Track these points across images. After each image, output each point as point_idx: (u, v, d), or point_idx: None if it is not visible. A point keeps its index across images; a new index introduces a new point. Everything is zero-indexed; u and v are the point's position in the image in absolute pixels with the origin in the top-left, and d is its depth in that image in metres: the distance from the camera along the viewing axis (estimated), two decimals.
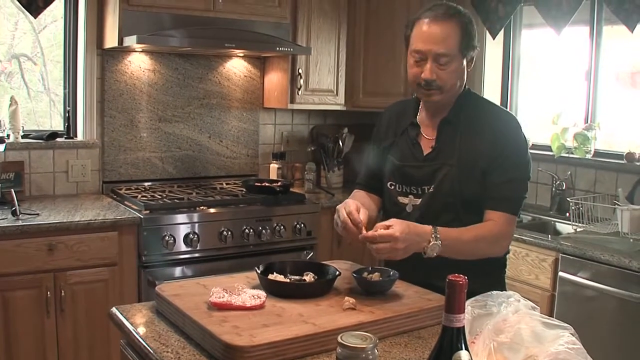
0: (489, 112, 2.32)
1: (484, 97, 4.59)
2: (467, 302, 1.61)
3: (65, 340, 3.43)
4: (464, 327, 1.24)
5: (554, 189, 4.27)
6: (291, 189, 4.41)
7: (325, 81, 4.63)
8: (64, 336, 3.43)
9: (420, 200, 2.28)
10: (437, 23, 2.17)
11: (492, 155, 2.20)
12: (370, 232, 2.01)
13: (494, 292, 1.67)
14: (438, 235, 2.05)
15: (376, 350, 1.43)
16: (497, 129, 2.24)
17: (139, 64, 4.29)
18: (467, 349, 1.24)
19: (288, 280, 2.06)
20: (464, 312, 1.23)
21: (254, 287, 2.00)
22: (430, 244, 2.04)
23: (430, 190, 2.26)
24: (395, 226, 2.00)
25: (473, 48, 2.22)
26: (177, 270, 3.70)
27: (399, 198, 2.34)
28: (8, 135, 3.90)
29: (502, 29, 4.51)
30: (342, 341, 1.42)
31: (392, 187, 2.37)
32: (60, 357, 3.43)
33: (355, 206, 2.12)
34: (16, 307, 3.30)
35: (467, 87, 2.35)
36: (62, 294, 3.38)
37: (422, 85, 2.22)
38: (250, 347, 1.58)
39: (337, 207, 2.18)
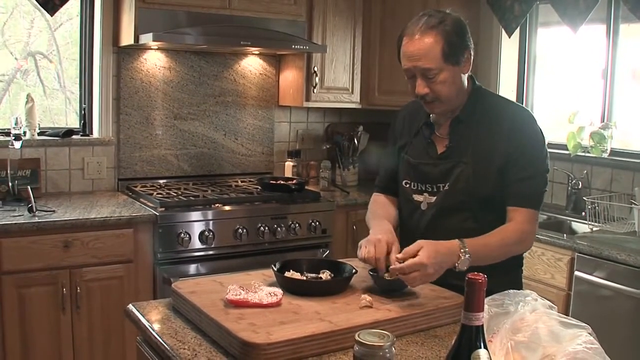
0: (503, 108, 2.30)
1: (496, 93, 4.65)
2: (485, 301, 1.60)
3: (81, 336, 3.45)
4: (482, 325, 1.23)
5: (569, 188, 4.25)
6: (306, 187, 4.41)
7: (340, 79, 4.63)
8: (79, 333, 3.44)
9: (435, 198, 2.28)
10: (416, 39, 2.15)
11: (509, 152, 2.18)
12: (399, 265, 1.96)
13: (511, 291, 1.66)
14: (467, 249, 2.03)
15: (393, 349, 1.43)
16: (512, 124, 2.22)
17: (154, 61, 4.30)
18: (486, 347, 1.23)
19: (305, 278, 2.06)
20: (483, 310, 1.22)
21: (270, 285, 2.00)
22: (461, 259, 2.02)
23: (445, 188, 2.25)
24: (423, 252, 1.96)
25: (460, 54, 2.18)
26: (192, 268, 3.71)
27: (414, 196, 2.33)
28: (24, 133, 3.91)
29: (518, 28, 4.49)
30: (360, 339, 1.42)
31: (407, 185, 2.36)
32: (75, 354, 3.45)
33: (386, 241, 2.09)
34: (32, 304, 3.31)
35: (476, 83, 2.33)
36: (78, 290, 3.40)
37: (420, 99, 2.23)
38: (267, 344, 1.58)
39: (368, 238, 2.14)
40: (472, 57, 2.23)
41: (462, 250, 2.03)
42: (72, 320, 3.42)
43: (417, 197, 2.32)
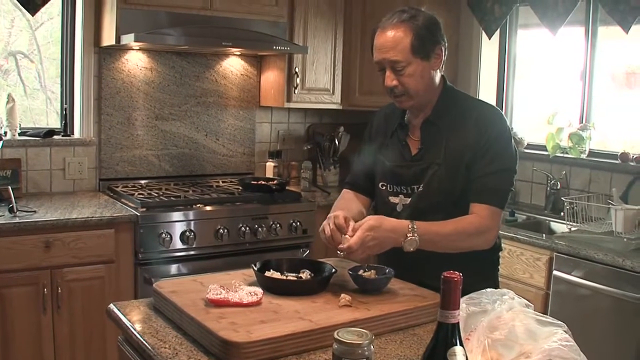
0: (473, 108, 2.32)
1: (476, 93, 4.69)
2: (462, 300, 1.62)
3: (62, 336, 3.44)
4: (458, 323, 1.25)
5: (548, 189, 4.30)
6: (287, 188, 4.42)
7: (321, 80, 4.65)
8: (61, 333, 3.43)
9: (410, 199, 2.30)
10: (386, 32, 2.21)
11: (475, 148, 2.21)
12: (346, 244, 2.04)
13: (489, 290, 1.68)
14: (416, 229, 2.07)
15: (372, 347, 1.45)
16: (480, 122, 2.25)
17: (136, 62, 4.30)
18: (461, 344, 1.25)
19: (285, 278, 2.08)
20: (459, 308, 1.24)
21: (250, 284, 2.02)
22: (408, 238, 2.07)
23: (420, 190, 2.28)
24: (365, 224, 2.05)
25: (430, 49, 2.22)
26: (174, 268, 3.71)
27: (390, 198, 2.36)
28: (5, 133, 3.90)
29: (498, 29, 4.54)
30: (338, 337, 1.43)
31: (384, 187, 2.39)
32: (56, 354, 3.44)
33: (343, 215, 2.14)
34: (13, 304, 3.30)
35: (448, 83, 2.36)
36: (59, 290, 3.39)
37: (389, 92, 2.27)
38: (247, 343, 1.60)
39: (329, 215, 2.20)
40: (443, 55, 2.27)
41: (411, 230, 2.07)
42: (53, 321, 3.41)
43: (393, 199, 2.35)
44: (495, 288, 1.71)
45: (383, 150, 2.42)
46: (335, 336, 1.44)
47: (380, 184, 2.40)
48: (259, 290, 1.92)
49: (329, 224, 2.14)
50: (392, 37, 2.19)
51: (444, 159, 2.24)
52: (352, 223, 2.11)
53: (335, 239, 2.10)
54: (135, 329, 1.85)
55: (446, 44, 2.28)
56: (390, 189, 2.36)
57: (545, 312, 3.45)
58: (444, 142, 2.26)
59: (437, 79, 2.30)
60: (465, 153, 2.22)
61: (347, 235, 2.06)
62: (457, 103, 2.33)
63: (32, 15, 3.88)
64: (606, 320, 3.27)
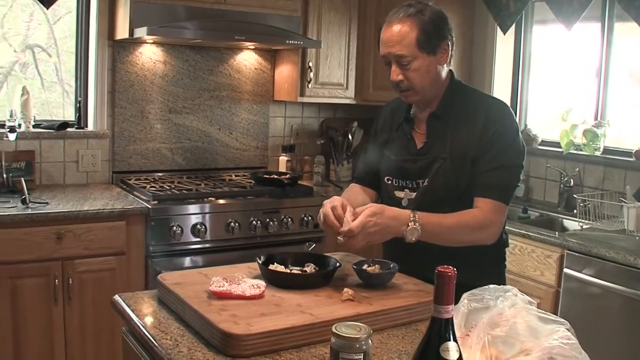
0: (479, 102, 2.31)
1: (490, 89, 4.67)
2: (464, 296, 1.62)
3: (72, 327, 3.47)
4: (452, 318, 1.25)
5: (562, 186, 4.27)
6: (300, 182, 4.43)
7: (335, 75, 4.64)
8: (71, 324, 3.46)
9: (415, 194, 2.30)
10: (392, 26, 2.21)
11: (481, 143, 2.20)
12: (346, 227, 2.03)
13: (492, 286, 1.67)
14: (417, 219, 2.07)
15: (370, 341, 1.45)
16: (487, 117, 2.23)
17: (149, 55, 4.32)
18: (455, 340, 1.25)
19: (288, 271, 2.08)
20: (452, 303, 1.24)
21: (255, 277, 2.02)
22: (409, 227, 2.06)
23: (425, 184, 2.27)
24: (366, 210, 2.04)
25: (436, 43, 2.21)
26: (184, 261, 3.73)
27: (395, 192, 2.36)
28: (19, 125, 3.93)
29: (513, 25, 4.51)
30: (336, 331, 1.43)
31: (390, 181, 2.38)
32: (67, 345, 3.47)
33: (341, 202, 2.13)
34: (24, 295, 3.33)
35: (455, 77, 2.35)
36: (70, 282, 3.42)
37: (395, 87, 2.26)
38: (246, 335, 1.60)
39: (324, 202, 2.19)
40: (450, 49, 2.25)
41: (412, 219, 2.06)
42: (64, 312, 3.44)
43: (398, 194, 2.34)
44: (501, 284, 1.69)
45: (389, 144, 2.42)
46: (334, 330, 1.44)
47: (386, 178, 2.40)
48: (261, 283, 1.92)
49: (324, 209, 2.14)
50: (398, 32, 2.19)
51: (450, 153, 2.23)
52: (350, 208, 2.10)
53: (329, 222, 2.09)
54: (138, 320, 1.86)
55: (453, 39, 2.26)
56: (395, 183, 2.36)
57: (555, 310, 3.44)
58: (449, 136, 2.25)
59: (444, 73, 2.28)
60: (471, 147, 2.21)
61: (347, 219, 2.05)
62: (464, 97, 2.31)
63: (47, 9, 3.91)
64: (617, 319, 3.25)
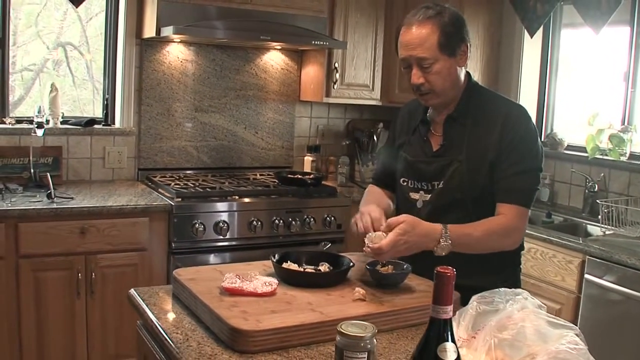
0: (497, 105, 2.30)
1: (517, 93, 4.64)
2: (474, 298, 1.62)
3: (94, 321, 3.52)
4: (451, 319, 1.25)
5: (586, 191, 4.23)
6: (324, 182, 4.44)
7: (361, 76, 4.65)
8: (93, 317, 3.52)
9: (430, 195, 2.30)
10: (413, 29, 2.20)
11: (500, 147, 2.19)
12: (376, 245, 2.02)
13: (502, 289, 1.66)
14: (448, 235, 2.06)
15: (375, 340, 1.45)
16: (505, 121, 2.22)
17: (176, 54, 4.36)
18: (453, 341, 1.25)
19: (301, 270, 2.09)
20: (451, 304, 1.24)
21: (268, 275, 2.04)
22: (440, 244, 2.05)
23: (440, 186, 2.27)
24: (401, 226, 2.02)
25: (456, 45, 2.20)
26: (206, 258, 3.76)
27: (410, 194, 2.36)
28: (47, 121, 4.00)
29: (541, 28, 4.48)
30: (342, 329, 1.44)
31: (405, 183, 2.39)
32: (88, 338, 3.52)
33: (379, 214, 2.15)
34: (48, 288, 3.40)
35: (472, 79, 2.35)
36: (93, 276, 3.47)
37: (415, 90, 2.26)
38: (254, 331, 1.62)
39: (361, 210, 2.22)
40: (468, 51, 2.25)
41: (443, 236, 2.05)
42: (86, 305, 3.49)
43: (413, 195, 2.35)
44: (516, 287, 1.68)
45: (405, 146, 2.42)
46: (339, 328, 1.45)
47: (402, 179, 2.40)
48: (274, 281, 1.94)
49: (362, 219, 2.16)
50: (419, 34, 2.18)
51: (466, 156, 2.23)
52: (383, 218, 2.12)
53: (362, 233, 2.11)
54: (151, 314, 1.88)
55: (470, 41, 2.26)
56: (411, 184, 2.36)
57: (575, 316, 3.41)
58: (466, 139, 2.25)
59: (462, 75, 2.28)
60: (489, 151, 2.21)
61: (381, 233, 2.05)
62: (482, 100, 2.31)
63: (76, 8, 3.97)
64: (637, 326, 3.21)
